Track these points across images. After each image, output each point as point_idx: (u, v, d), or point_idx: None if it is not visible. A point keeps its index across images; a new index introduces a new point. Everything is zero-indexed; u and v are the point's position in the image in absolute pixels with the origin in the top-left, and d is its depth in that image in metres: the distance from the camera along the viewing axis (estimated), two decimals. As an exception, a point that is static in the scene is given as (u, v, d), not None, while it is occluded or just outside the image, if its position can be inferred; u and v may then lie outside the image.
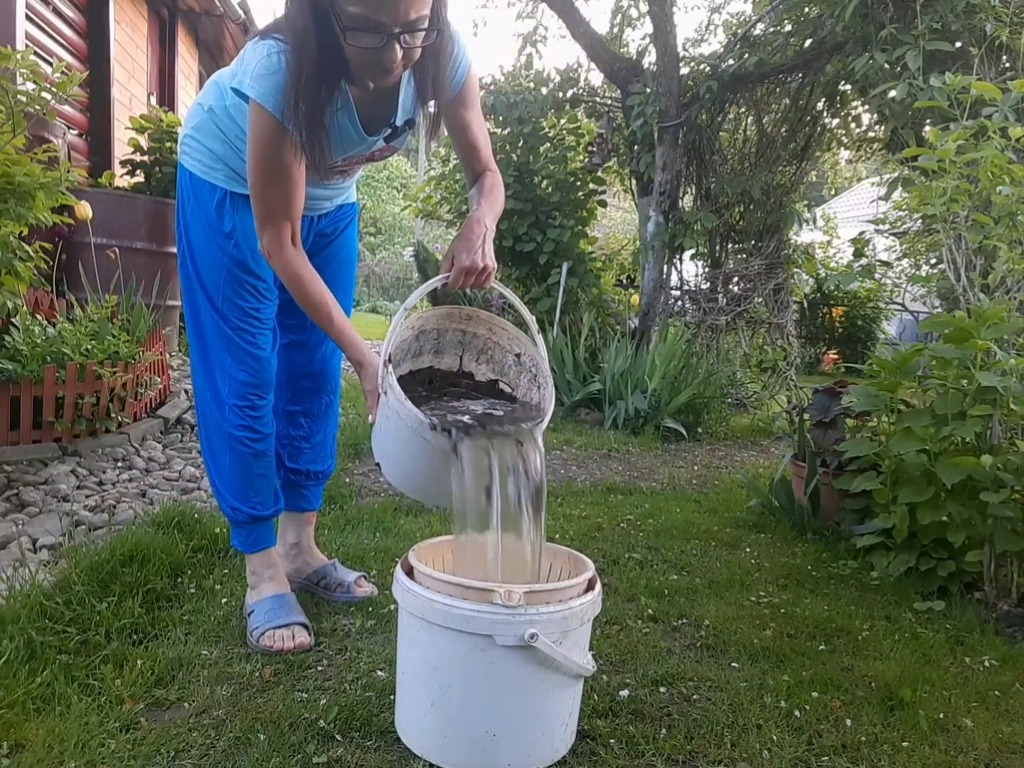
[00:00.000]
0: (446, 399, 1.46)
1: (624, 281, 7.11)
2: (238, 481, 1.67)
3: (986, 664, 1.70)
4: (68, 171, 2.65)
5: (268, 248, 1.43)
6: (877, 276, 4.52)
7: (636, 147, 5.49)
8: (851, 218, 12.75)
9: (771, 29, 5.25)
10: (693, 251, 5.50)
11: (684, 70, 5.35)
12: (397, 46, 1.20)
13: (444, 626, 1.18)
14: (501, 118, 5.69)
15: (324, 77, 1.29)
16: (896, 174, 3.71)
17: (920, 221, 4.26)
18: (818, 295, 8.96)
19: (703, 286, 5.73)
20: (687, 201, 5.76)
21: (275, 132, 1.32)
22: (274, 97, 1.29)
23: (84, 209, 3.52)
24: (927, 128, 3.90)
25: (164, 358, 3.56)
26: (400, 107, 1.46)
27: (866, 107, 5.16)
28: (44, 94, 2.55)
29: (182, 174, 1.61)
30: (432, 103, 1.42)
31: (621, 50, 6.28)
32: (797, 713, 1.44)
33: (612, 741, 1.32)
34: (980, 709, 1.51)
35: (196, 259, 1.60)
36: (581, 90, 6.22)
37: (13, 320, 2.71)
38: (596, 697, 1.45)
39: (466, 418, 1.32)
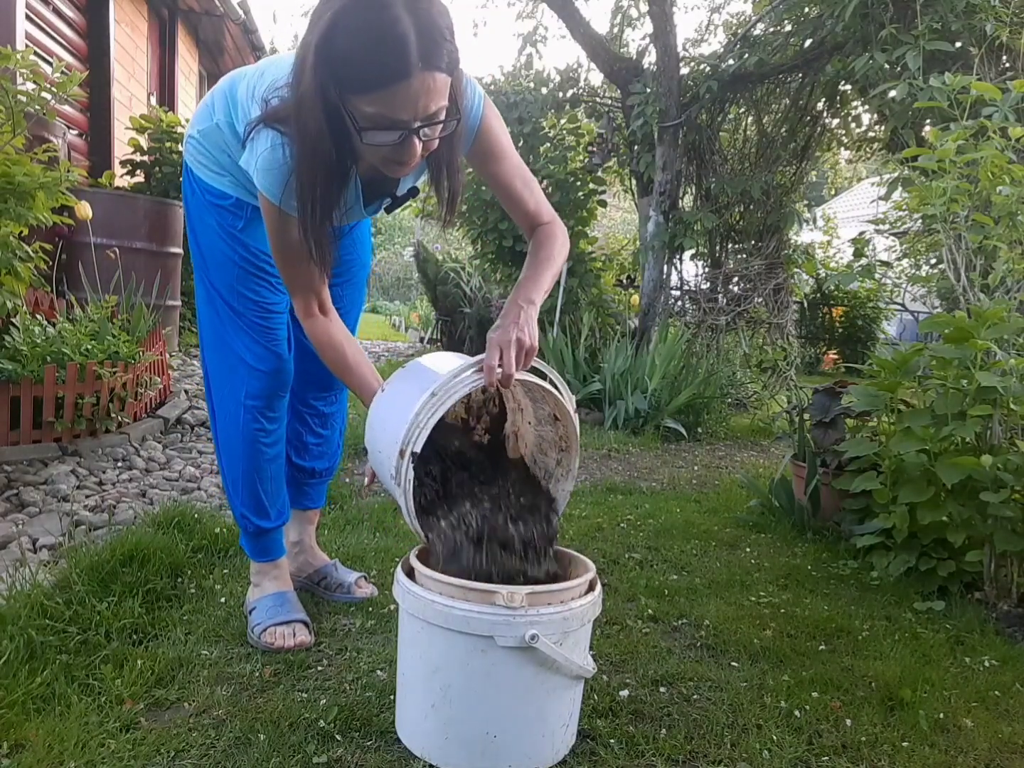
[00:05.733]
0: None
1: (624, 281, 7.11)
2: (250, 488, 1.65)
3: (986, 664, 1.70)
4: (68, 171, 2.65)
5: (297, 314, 1.44)
6: (877, 276, 4.52)
7: (636, 147, 5.49)
8: (851, 218, 12.75)
9: (771, 29, 5.25)
10: (693, 251, 5.49)
11: (684, 70, 5.35)
12: (416, 140, 1.14)
13: (444, 627, 1.18)
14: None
15: (338, 176, 1.25)
16: (896, 174, 3.71)
17: (920, 221, 4.27)
18: (818, 295, 8.96)
19: (703, 286, 5.73)
20: (687, 201, 5.75)
21: (282, 221, 1.32)
22: (277, 189, 1.28)
23: (84, 209, 3.53)
24: (927, 128, 3.90)
25: (164, 358, 3.57)
26: (403, 180, 1.42)
27: (866, 107, 5.16)
28: (44, 94, 2.55)
29: (187, 173, 1.57)
30: (447, 184, 1.34)
31: (621, 50, 6.28)
32: (797, 713, 1.44)
33: (612, 741, 1.32)
34: (980, 709, 1.51)
35: (207, 259, 1.58)
36: (581, 90, 6.22)
37: (13, 320, 2.71)
38: (596, 697, 1.45)
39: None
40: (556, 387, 1.30)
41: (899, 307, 7.99)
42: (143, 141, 5.24)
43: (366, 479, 1.41)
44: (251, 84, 1.38)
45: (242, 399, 1.60)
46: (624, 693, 1.47)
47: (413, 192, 1.46)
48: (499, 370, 1.20)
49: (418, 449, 1.18)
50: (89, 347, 2.88)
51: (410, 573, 1.27)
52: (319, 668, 1.52)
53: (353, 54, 1.06)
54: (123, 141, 5.47)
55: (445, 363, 1.32)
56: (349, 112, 1.12)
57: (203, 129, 1.52)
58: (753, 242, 5.56)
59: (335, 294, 1.74)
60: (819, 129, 5.63)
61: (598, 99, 6.34)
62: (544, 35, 6.51)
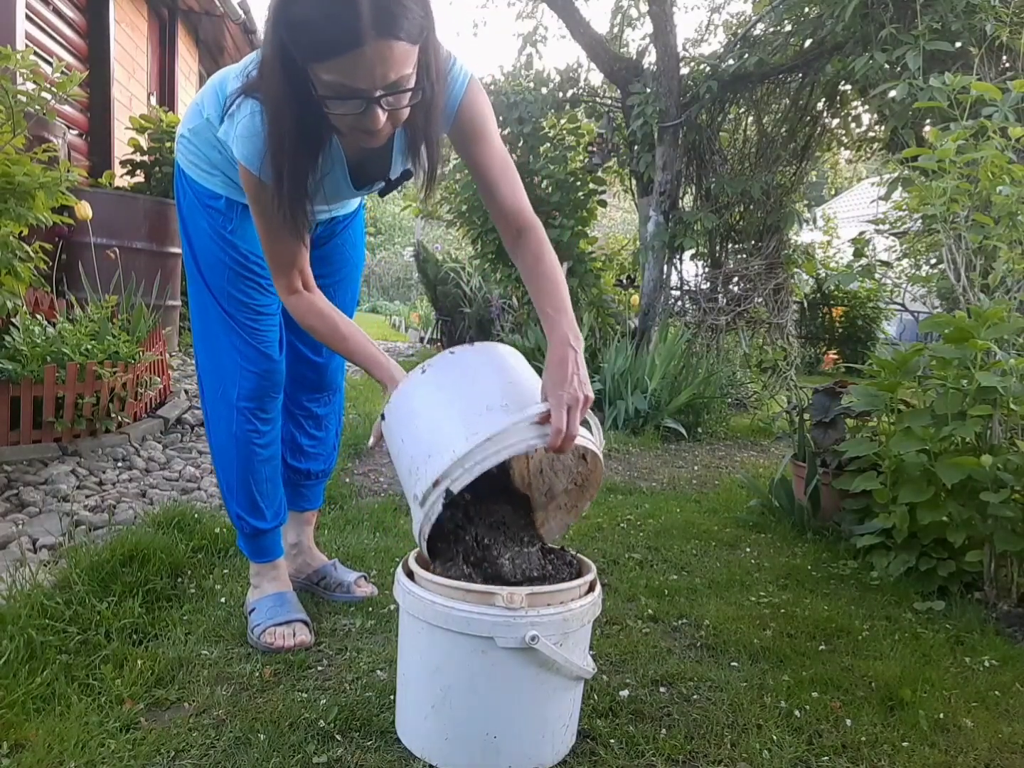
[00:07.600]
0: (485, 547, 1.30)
1: (624, 281, 7.11)
2: (245, 490, 1.65)
3: (986, 664, 1.70)
4: (68, 171, 2.65)
5: (279, 292, 1.42)
6: (877, 276, 4.52)
7: (636, 147, 5.49)
8: (851, 218, 12.75)
9: (771, 29, 5.25)
10: (693, 251, 5.49)
11: (684, 70, 5.34)
12: (379, 110, 1.11)
13: (445, 628, 1.18)
14: (501, 118, 5.69)
15: (307, 143, 1.22)
16: (896, 174, 3.71)
17: (920, 221, 4.26)
18: (818, 295, 8.96)
19: (703, 286, 5.72)
20: (687, 201, 5.75)
21: (262, 193, 1.30)
22: (256, 158, 1.27)
23: (84, 209, 3.52)
24: (927, 128, 3.90)
25: (164, 358, 3.57)
26: (394, 161, 1.41)
27: (866, 107, 5.15)
28: (44, 94, 2.55)
29: (179, 174, 1.58)
30: (426, 158, 1.31)
31: (621, 50, 6.28)
32: (797, 713, 1.44)
33: (612, 741, 1.32)
34: (980, 709, 1.51)
35: (199, 260, 1.58)
36: (581, 90, 6.21)
37: (13, 320, 2.71)
38: (596, 697, 1.45)
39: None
40: (594, 434, 1.25)
41: (899, 307, 7.99)
42: (143, 141, 5.24)
43: (372, 439, 1.36)
44: (238, 76, 1.37)
45: (234, 401, 1.60)
46: (624, 693, 1.47)
47: (407, 175, 1.43)
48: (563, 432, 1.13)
49: (456, 490, 1.14)
50: (89, 347, 2.88)
51: (410, 574, 1.27)
52: (319, 668, 1.52)
53: (307, 20, 1.04)
54: (123, 141, 5.46)
55: (505, 381, 1.23)
56: (311, 80, 1.11)
57: (193, 127, 1.51)
58: (753, 242, 5.56)
59: (328, 294, 1.73)
60: (819, 129, 5.62)
61: (598, 99, 6.34)
62: (544, 35, 6.50)
